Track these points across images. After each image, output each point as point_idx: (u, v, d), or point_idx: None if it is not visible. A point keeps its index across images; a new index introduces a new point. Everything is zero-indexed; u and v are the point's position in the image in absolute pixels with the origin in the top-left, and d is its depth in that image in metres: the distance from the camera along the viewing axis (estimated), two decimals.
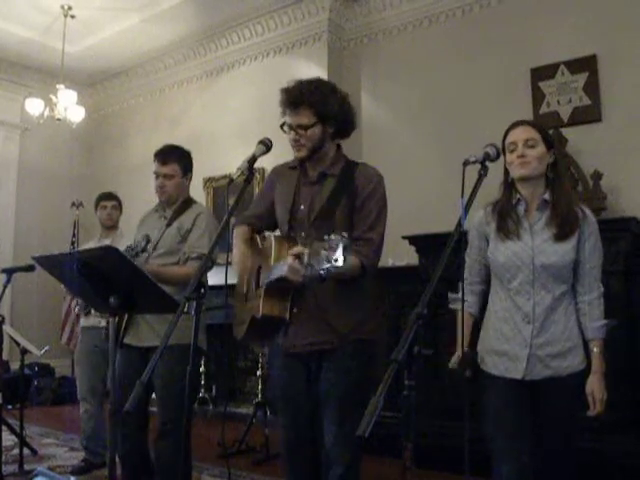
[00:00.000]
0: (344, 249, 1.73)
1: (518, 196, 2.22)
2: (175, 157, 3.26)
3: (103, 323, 3.98)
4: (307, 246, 2.12)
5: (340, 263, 1.72)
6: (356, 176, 2.31)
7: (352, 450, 2.26)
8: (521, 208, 2.21)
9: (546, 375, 2.14)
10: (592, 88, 4.70)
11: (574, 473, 2.14)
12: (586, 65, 4.73)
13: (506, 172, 2.25)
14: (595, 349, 2.16)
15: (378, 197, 2.30)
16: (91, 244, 4.30)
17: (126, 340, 2.90)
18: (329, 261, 1.74)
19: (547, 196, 2.19)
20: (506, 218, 2.21)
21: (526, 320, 2.15)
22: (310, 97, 2.25)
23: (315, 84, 2.30)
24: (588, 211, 2.22)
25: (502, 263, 2.20)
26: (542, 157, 2.17)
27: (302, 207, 2.32)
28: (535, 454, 2.11)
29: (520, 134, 2.19)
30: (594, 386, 2.12)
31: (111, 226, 4.33)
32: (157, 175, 3.25)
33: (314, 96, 2.26)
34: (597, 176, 4.40)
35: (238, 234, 2.47)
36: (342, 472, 2.24)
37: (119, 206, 4.44)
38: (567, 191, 2.23)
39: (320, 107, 2.25)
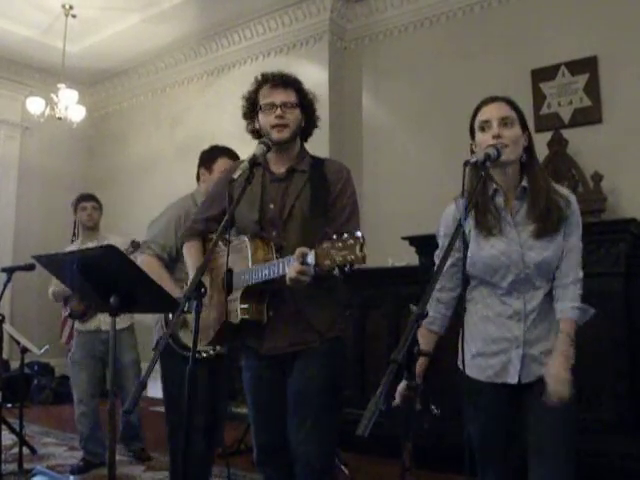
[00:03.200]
0: (361, 247, 1.71)
1: (494, 186, 2.02)
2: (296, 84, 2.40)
3: (104, 327, 4.00)
4: (285, 245, 2.12)
5: (361, 261, 1.70)
6: (326, 172, 2.29)
7: (324, 454, 2.24)
8: (499, 199, 2.01)
9: (539, 375, 1.94)
10: (593, 89, 4.70)
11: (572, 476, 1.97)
12: (587, 66, 4.74)
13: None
14: (565, 328, 1.92)
15: (350, 192, 2.29)
16: (72, 247, 4.27)
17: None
18: (346, 260, 1.72)
19: (525, 183, 1.99)
20: (485, 212, 1.99)
21: (516, 318, 1.98)
22: (296, 82, 2.32)
23: (292, 75, 2.35)
24: (573, 196, 2.04)
25: (487, 262, 1.99)
26: (518, 139, 1.97)
27: (271, 206, 2.27)
28: (527, 457, 1.97)
29: (495, 111, 1.99)
30: (554, 367, 1.88)
31: (92, 227, 4.26)
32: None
33: (299, 83, 2.33)
34: (597, 177, 4.40)
35: (189, 248, 2.44)
36: (314, 477, 2.20)
37: (99, 207, 4.33)
38: (544, 176, 2.02)
39: (303, 93, 2.32)
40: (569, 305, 1.95)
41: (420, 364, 1.98)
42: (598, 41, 4.69)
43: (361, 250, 1.73)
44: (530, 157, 2.02)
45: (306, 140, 2.41)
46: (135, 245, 3.98)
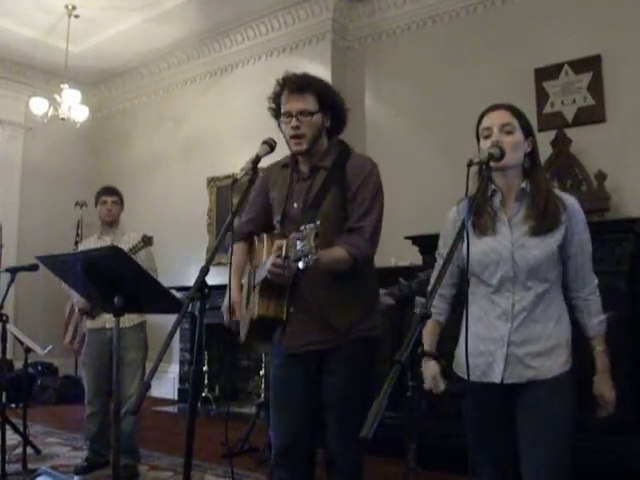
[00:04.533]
0: (315, 237, 1.71)
1: (493, 187, 2.05)
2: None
3: (108, 325, 3.99)
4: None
5: (314, 252, 1.70)
6: (347, 166, 2.27)
7: (356, 456, 2.25)
8: (497, 200, 2.05)
9: (529, 377, 1.96)
10: (596, 88, 4.69)
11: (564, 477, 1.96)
12: (590, 65, 4.72)
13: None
14: (598, 347, 2.01)
15: (371, 185, 2.26)
16: (91, 241, 4.21)
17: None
18: (303, 251, 1.73)
19: (524, 185, 2.02)
20: (481, 213, 2.04)
21: (504, 318, 1.99)
22: (316, 84, 2.27)
23: (315, 76, 2.31)
24: (572, 199, 2.05)
25: (479, 260, 2.01)
26: (518, 145, 2.00)
27: (295, 205, 2.29)
28: (521, 460, 1.98)
29: (496, 119, 2.02)
30: (602, 387, 2.00)
31: (111, 222, 4.16)
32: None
33: (319, 84, 2.28)
34: (601, 176, 4.39)
35: (237, 250, 2.43)
36: (348, 476, 2.23)
37: (120, 202, 4.24)
38: (545, 180, 2.06)
39: (323, 95, 2.27)
40: (596, 321, 2.03)
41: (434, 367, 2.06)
42: (601, 40, 4.68)
43: (315, 240, 1.72)
44: (533, 162, 2.05)
45: (338, 134, 2.38)
46: (146, 240, 3.97)
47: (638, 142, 4.45)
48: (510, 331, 1.98)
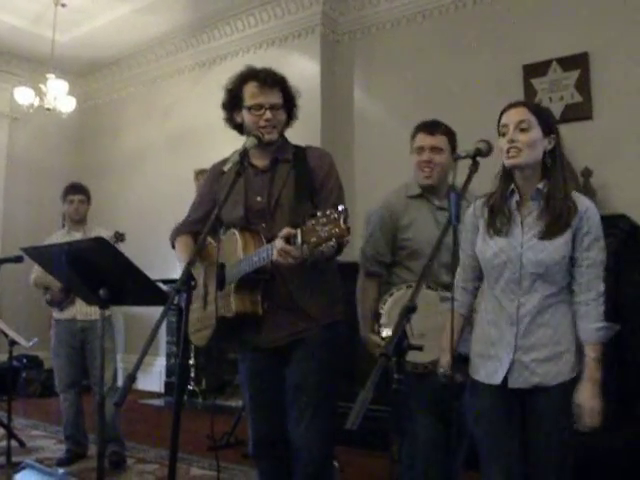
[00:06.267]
0: (345, 220, 1.72)
1: (512, 186, 2.03)
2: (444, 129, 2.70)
3: (79, 317, 3.99)
4: (275, 235, 2.11)
5: (346, 234, 1.71)
6: (309, 159, 2.31)
7: (325, 442, 2.25)
8: (513, 200, 2.02)
9: (534, 383, 1.95)
10: (583, 86, 4.71)
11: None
12: (578, 63, 4.74)
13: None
14: (591, 354, 1.93)
15: (335, 176, 2.32)
16: (58, 235, 4.19)
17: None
18: (331, 234, 1.73)
19: (541, 185, 1.98)
20: (497, 213, 2.03)
21: (509, 322, 1.98)
22: (283, 80, 2.33)
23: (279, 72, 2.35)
24: (588, 202, 2.00)
25: (488, 259, 2.03)
26: (535, 143, 1.95)
27: (259, 199, 2.29)
28: (525, 463, 1.98)
29: (512, 116, 1.99)
30: (583, 394, 1.91)
31: (79, 220, 4.18)
32: (423, 147, 2.65)
33: (285, 80, 2.34)
34: (587, 173, 4.42)
35: (181, 244, 2.44)
36: (314, 469, 2.21)
37: (87, 199, 4.23)
38: (564, 182, 1.98)
39: (287, 91, 2.33)
40: (593, 327, 1.95)
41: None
42: (589, 38, 4.69)
43: (345, 222, 1.74)
44: (554, 160, 2.00)
45: (286, 128, 2.43)
46: (118, 236, 3.96)
47: (624, 139, 4.48)
48: (517, 336, 1.97)
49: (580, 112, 4.69)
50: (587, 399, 1.90)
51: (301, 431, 2.21)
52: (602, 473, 3.40)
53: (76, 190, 4.21)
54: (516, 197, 2.02)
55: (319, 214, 1.79)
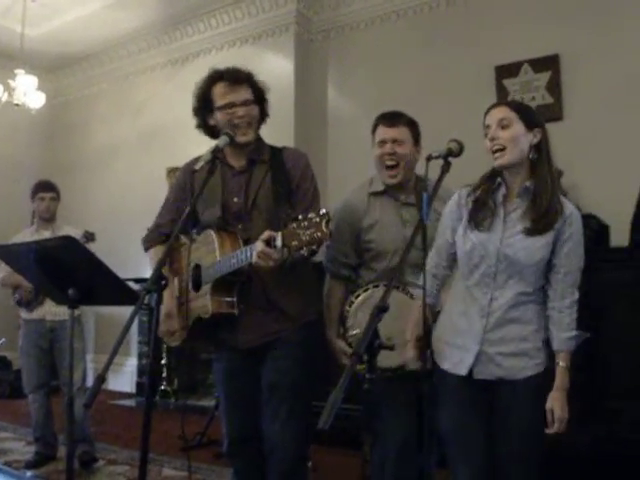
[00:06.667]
0: (327, 224, 1.73)
1: (499, 179, 2.04)
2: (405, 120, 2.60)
3: (49, 317, 3.94)
4: (252, 236, 2.11)
5: (327, 238, 1.72)
6: (285, 160, 2.31)
7: (300, 441, 2.25)
8: (500, 194, 2.03)
9: (499, 375, 1.98)
10: (554, 87, 4.77)
11: (535, 474, 2.01)
12: (549, 64, 4.80)
13: None
14: (561, 363, 1.97)
15: (311, 177, 2.32)
16: (26, 234, 4.12)
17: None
18: (313, 238, 1.73)
19: (529, 183, 1.98)
20: (481, 207, 2.02)
21: (480, 314, 2.00)
22: (250, 77, 2.32)
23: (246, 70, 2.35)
24: (572, 207, 2.02)
25: (466, 252, 2.03)
26: (517, 138, 1.96)
27: (235, 199, 2.28)
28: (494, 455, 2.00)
29: (494, 115, 2.01)
30: (555, 404, 1.94)
31: (49, 218, 4.11)
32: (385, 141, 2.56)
33: (252, 77, 2.33)
34: (558, 174, 4.45)
35: (156, 254, 2.40)
36: (288, 468, 2.21)
37: (57, 197, 4.17)
38: (551, 179, 1.99)
39: (257, 87, 2.33)
40: (565, 336, 1.98)
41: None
42: (560, 40, 4.75)
43: (327, 226, 1.74)
44: (540, 155, 2.01)
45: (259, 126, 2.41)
46: (88, 236, 3.92)
47: (594, 140, 4.54)
48: (485, 328, 1.99)
49: (551, 113, 4.74)
50: (559, 408, 1.94)
51: (276, 430, 2.21)
52: (570, 468, 3.45)
53: (47, 188, 4.14)
54: (503, 191, 2.03)
55: (301, 217, 1.79)
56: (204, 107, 2.33)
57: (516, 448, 1.96)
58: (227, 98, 2.25)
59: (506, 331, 1.98)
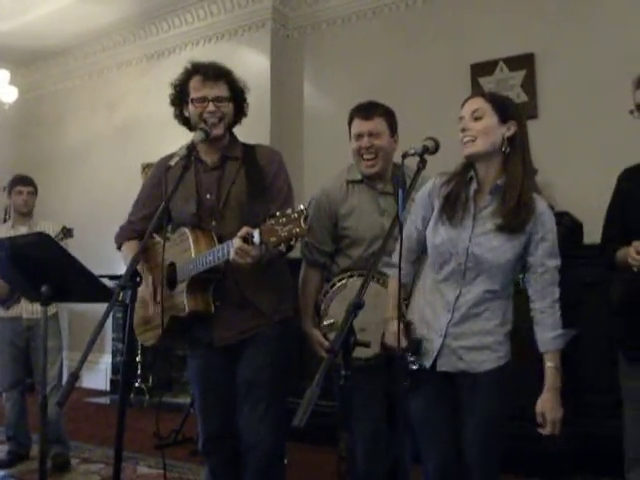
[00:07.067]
0: (305, 220, 1.73)
1: (472, 173, 2.02)
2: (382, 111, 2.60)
3: (25, 315, 3.89)
4: (225, 233, 2.10)
5: (306, 233, 1.73)
6: (258, 157, 2.31)
7: (276, 438, 2.25)
8: (472, 188, 2.01)
9: (460, 368, 2.00)
10: (529, 85, 4.82)
11: (495, 464, 2.04)
12: (524, 63, 4.84)
13: None
14: (549, 363, 1.97)
15: (284, 175, 2.32)
16: (2, 230, 4.03)
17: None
18: (291, 234, 1.74)
19: (500, 182, 1.96)
20: (453, 201, 2.00)
21: (446, 309, 2.01)
22: (229, 74, 2.32)
23: (226, 66, 2.35)
24: (544, 205, 2.02)
25: (436, 246, 2.02)
26: (489, 130, 1.95)
27: (208, 196, 2.27)
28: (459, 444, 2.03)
29: (468, 107, 2.00)
30: (546, 406, 1.94)
31: (27, 213, 4.05)
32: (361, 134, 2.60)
33: (231, 74, 2.33)
34: (532, 172, 4.51)
35: (129, 249, 2.37)
36: (264, 465, 2.21)
37: (35, 192, 4.11)
38: (523, 176, 1.96)
39: (234, 84, 2.33)
40: (550, 336, 1.98)
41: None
42: (535, 38, 4.80)
43: (305, 222, 1.75)
44: (513, 149, 1.98)
45: (235, 125, 2.42)
46: (66, 232, 3.87)
47: (568, 139, 4.60)
48: (449, 323, 2.00)
49: (526, 111, 4.77)
50: (550, 410, 1.94)
51: (252, 427, 2.20)
52: (543, 461, 3.50)
53: (25, 182, 4.09)
54: (474, 186, 2.02)
55: (278, 214, 1.79)
56: (180, 98, 2.34)
57: (478, 437, 1.98)
58: (200, 92, 2.26)
59: (469, 325, 2.00)
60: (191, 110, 2.29)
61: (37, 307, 3.81)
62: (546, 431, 1.94)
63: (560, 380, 1.98)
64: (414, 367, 2.01)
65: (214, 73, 2.28)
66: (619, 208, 2.39)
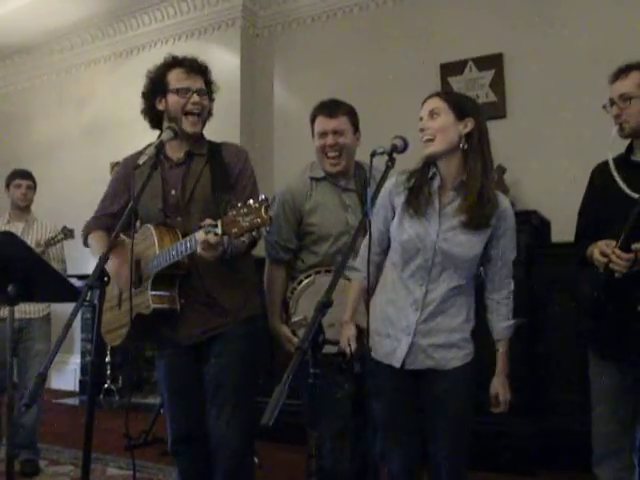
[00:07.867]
0: (266, 210, 1.73)
1: (434, 170, 2.04)
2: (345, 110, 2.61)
3: (17, 315, 3.79)
4: (190, 229, 2.09)
5: (268, 223, 1.72)
6: (224, 154, 2.31)
7: (245, 438, 2.25)
8: (435, 184, 2.03)
9: (429, 365, 2.03)
10: (498, 85, 4.88)
11: (464, 462, 2.07)
12: (493, 63, 4.90)
13: None
14: (501, 349, 2.09)
15: (249, 172, 2.32)
16: None
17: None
18: (253, 224, 1.73)
19: (464, 177, 2.00)
20: (417, 194, 2.02)
21: (414, 307, 2.03)
22: (206, 71, 2.33)
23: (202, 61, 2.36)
24: (506, 202, 2.07)
25: (403, 242, 2.03)
26: (445, 128, 1.98)
27: (173, 192, 2.27)
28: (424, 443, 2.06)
29: (425, 107, 2.04)
30: (498, 388, 2.06)
31: (25, 207, 3.96)
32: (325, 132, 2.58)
33: (207, 70, 2.34)
34: (501, 170, 4.56)
35: (96, 238, 2.36)
36: (234, 464, 2.20)
37: (34, 186, 4.04)
38: (482, 171, 1.99)
39: (209, 83, 2.34)
40: (503, 325, 2.10)
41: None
42: (504, 39, 4.86)
43: (266, 212, 1.74)
44: (471, 145, 2.00)
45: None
46: (67, 232, 3.80)
47: (536, 138, 4.66)
48: (417, 321, 2.02)
49: (495, 111, 4.84)
50: (502, 392, 2.06)
51: (221, 426, 2.20)
52: (514, 457, 3.55)
53: (24, 175, 4.00)
54: (437, 182, 2.04)
55: (240, 204, 1.78)
56: (156, 89, 2.31)
57: (447, 436, 2.02)
58: (184, 83, 2.25)
59: (436, 323, 2.03)
60: (172, 100, 2.26)
61: (29, 307, 3.72)
62: (499, 410, 2.07)
63: (508, 365, 2.10)
64: (358, 371, 2.01)
65: (197, 67, 2.30)
66: (592, 203, 2.41)
